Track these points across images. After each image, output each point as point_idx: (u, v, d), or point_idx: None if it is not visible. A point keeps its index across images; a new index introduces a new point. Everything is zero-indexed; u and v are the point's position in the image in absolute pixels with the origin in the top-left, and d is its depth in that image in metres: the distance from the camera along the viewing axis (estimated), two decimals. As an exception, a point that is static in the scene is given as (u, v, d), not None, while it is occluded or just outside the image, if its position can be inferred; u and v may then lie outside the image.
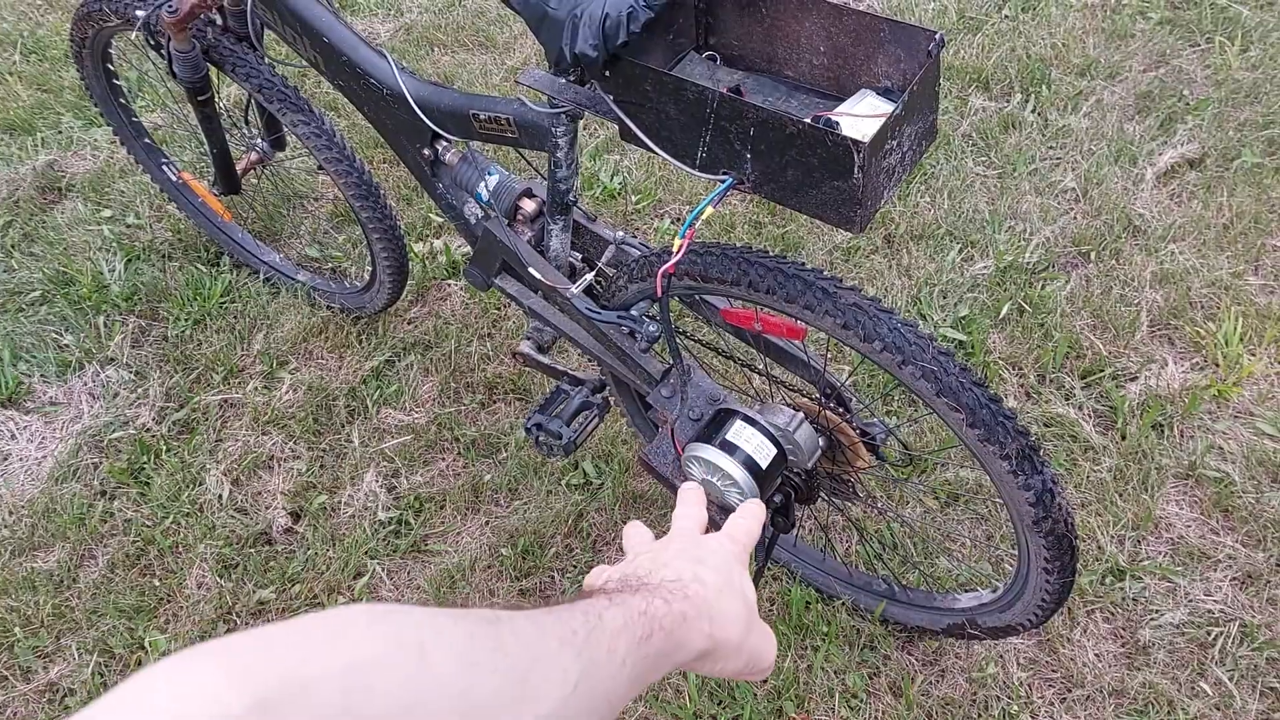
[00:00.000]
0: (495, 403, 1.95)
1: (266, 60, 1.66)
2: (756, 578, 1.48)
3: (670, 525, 0.70)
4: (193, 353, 2.04)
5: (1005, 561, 1.65)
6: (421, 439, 1.89)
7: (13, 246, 2.27)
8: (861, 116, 1.08)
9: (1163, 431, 1.81)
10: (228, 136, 1.87)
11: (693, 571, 0.60)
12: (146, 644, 1.62)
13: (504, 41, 2.83)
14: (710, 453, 1.21)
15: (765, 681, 1.55)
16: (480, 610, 0.45)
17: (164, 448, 1.89)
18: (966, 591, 1.49)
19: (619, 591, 0.54)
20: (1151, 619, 1.57)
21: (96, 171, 2.46)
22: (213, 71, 1.69)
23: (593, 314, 1.35)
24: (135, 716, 0.33)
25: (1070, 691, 1.52)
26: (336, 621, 0.39)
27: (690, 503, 0.73)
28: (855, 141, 0.97)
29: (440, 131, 1.45)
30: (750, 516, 0.72)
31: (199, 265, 2.21)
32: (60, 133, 2.58)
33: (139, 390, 1.98)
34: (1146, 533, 1.68)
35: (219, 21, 1.65)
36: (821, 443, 1.30)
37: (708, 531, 0.70)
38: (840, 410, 1.29)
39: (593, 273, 1.43)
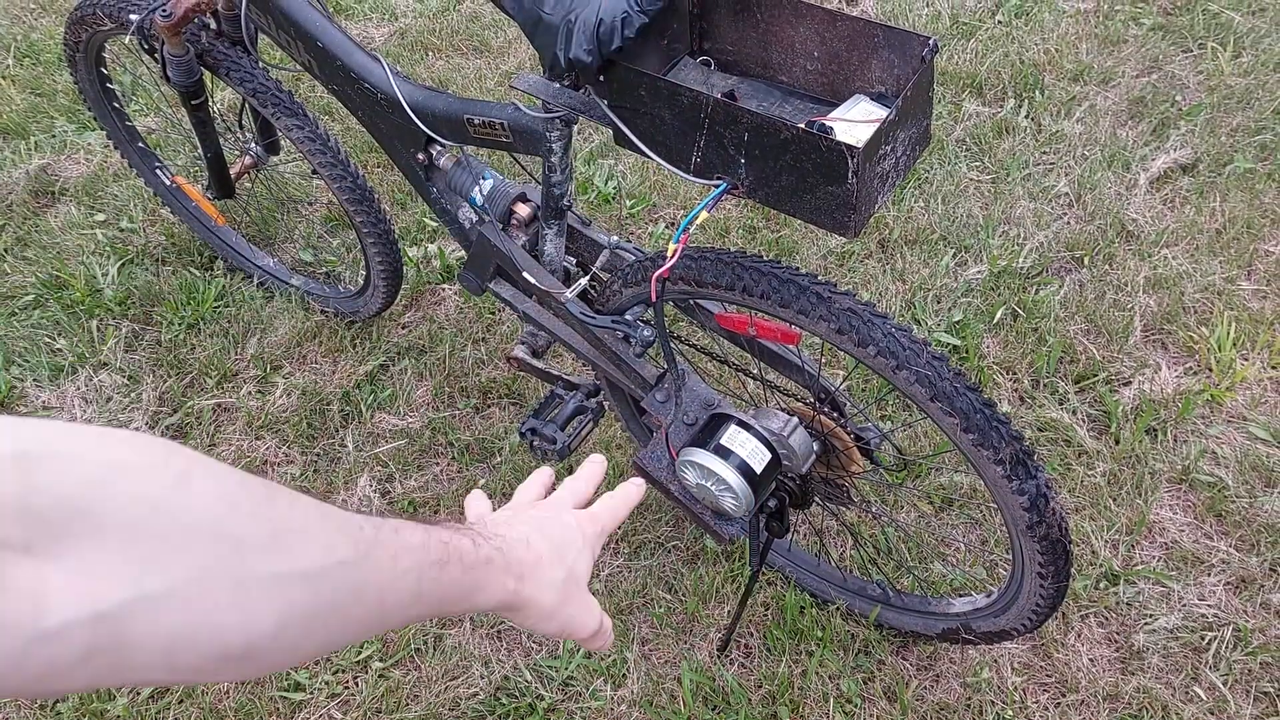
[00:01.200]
0: (490, 407, 1.95)
1: (260, 64, 1.66)
2: (751, 582, 1.48)
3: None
4: (186, 357, 2.04)
5: (999, 566, 1.66)
6: (416, 443, 1.88)
7: (5, 250, 2.26)
8: (856, 122, 1.08)
9: (1156, 436, 1.81)
10: (222, 141, 1.87)
11: (524, 533, 0.63)
12: (139, 650, 1.61)
13: (498, 46, 2.83)
14: (705, 457, 1.21)
15: (761, 686, 1.54)
16: (271, 481, 0.45)
17: (157, 452, 1.88)
18: (961, 596, 1.49)
19: (437, 525, 0.56)
20: (1145, 623, 1.57)
21: (90, 175, 2.45)
22: (207, 76, 1.69)
23: (587, 319, 1.35)
24: None
25: (1064, 696, 1.52)
26: (116, 432, 0.39)
27: (579, 478, 0.77)
28: (849, 146, 0.97)
29: (434, 136, 1.45)
30: (620, 498, 0.76)
31: (193, 270, 2.20)
32: (54, 137, 2.57)
33: (132, 395, 1.97)
34: (1140, 537, 1.68)
35: (213, 26, 1.64)
36: (816, 447, 1.30)
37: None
38: (835, 415, 1.29)
39: (587, 277, 1.42)
